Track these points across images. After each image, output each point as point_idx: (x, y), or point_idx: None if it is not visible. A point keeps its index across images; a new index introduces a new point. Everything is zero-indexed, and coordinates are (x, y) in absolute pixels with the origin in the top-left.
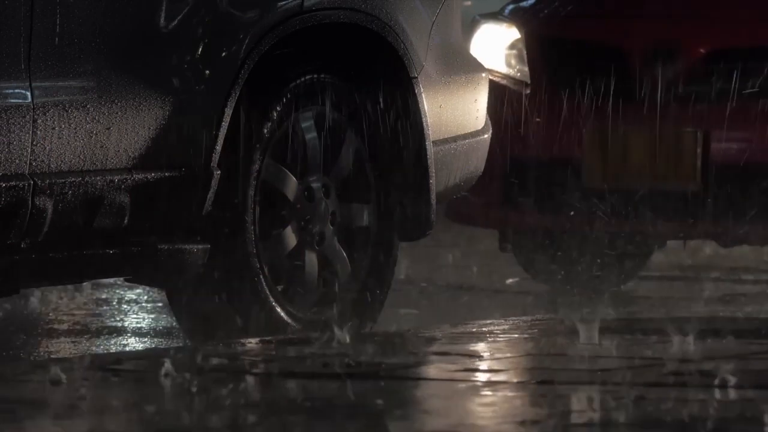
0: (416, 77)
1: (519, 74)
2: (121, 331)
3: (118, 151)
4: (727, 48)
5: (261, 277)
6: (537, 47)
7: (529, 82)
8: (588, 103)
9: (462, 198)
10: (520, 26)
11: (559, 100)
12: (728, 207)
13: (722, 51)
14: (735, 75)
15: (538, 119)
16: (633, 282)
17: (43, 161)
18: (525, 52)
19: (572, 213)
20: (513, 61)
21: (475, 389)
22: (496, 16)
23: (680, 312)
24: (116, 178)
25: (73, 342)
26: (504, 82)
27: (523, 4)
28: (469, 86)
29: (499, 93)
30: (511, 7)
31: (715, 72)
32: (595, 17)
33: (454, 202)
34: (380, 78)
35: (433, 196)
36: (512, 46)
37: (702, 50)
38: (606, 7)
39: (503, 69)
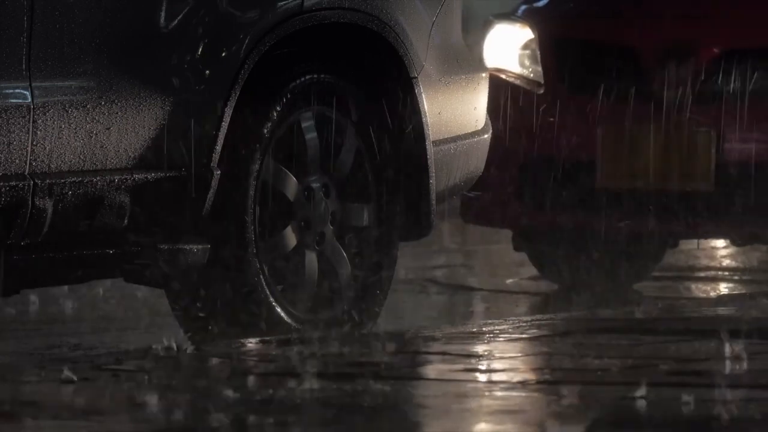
0: (416, 77)
1: (532, 74)
2: (120, 331)
3: (118, 151)
4: (741, 48)
5: (261, 277)
6: (550, 47)
7: (542, 82)
8: (602, 103)
9: (475, 198)
10: (534, 26)
11: (573, 100)
12: (742, 207)
13: (736, 51)
14: (749, 75)
15: (551, 119)
16: (644, 281)
17: (43, 161)
18: (538, 53)
19: (586, 213)
20: (526, 62)
21: (475, 389)
22: (509, 16)
23: (681, 312)
24: (116, 178)
25: (73, 342)
26: (517, 82)
27: (537, 4)
28: (470, 86)
29: (512, 93)
30: (524, 7)
31: (729, 72)
32: (608, 17)
33: (467, 202)
34: (380, 78)
35: (433, 196)
36: (526, 47)
37: (716, 50)
38: (620, 8)
39: (517, 69)
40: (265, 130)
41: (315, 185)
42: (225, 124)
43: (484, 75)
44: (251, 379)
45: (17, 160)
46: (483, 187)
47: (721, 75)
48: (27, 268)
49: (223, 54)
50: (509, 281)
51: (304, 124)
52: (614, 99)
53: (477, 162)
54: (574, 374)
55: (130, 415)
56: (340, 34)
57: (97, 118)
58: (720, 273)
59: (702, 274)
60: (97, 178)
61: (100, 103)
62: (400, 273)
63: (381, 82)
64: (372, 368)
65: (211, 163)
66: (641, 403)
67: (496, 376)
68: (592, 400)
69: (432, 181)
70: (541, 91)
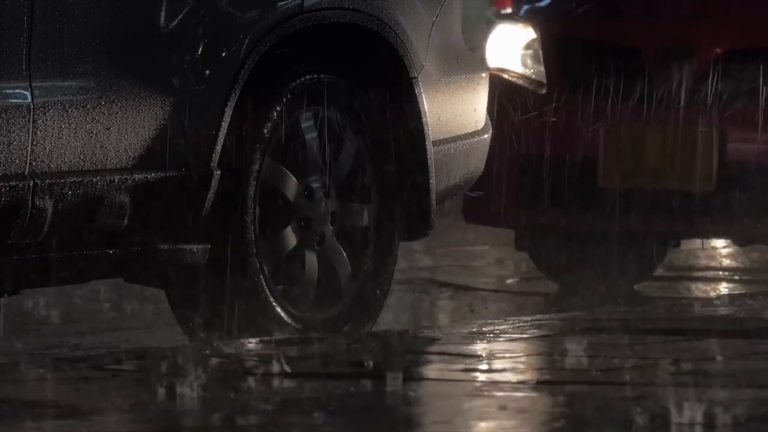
0: (416, 77)
1: (535, 74)
2: (120, 331)
3: (118, 151)
4: (743, 48)
5: (261, 277)
6: (553, 47)
7: (545, 81)
8: (604, 103)
9: (477, 197)
10: (537, 26)
11: (575, 99)
12: (744, 206)
13: (738, 51)
14: (751, 75)
15: (554, 119)
16: (645, 281)
17: (43, 161)
18: (541, 52)
19: (587, 212)
20: (529, 61)
21: (475, 389)
22: (512, 16)
23: (681, 311)
24: (116, 178)
25: (73, 342)
26: (520, 81)
27: (540, 4)
28: (470, 86)
29: (515, 93)
30: (527, 7)
31: (732, 72)
32: (611, 17)
33: (469, 202)
34: (380, 78)
35: (433, 196)
36: (528, 46)
37: (718, 50)
38: (622, 8)
39: (519, 69)
40: (265, 130)
41: (315, 185)
42: (225, 124)
43: (484, 75)
44: (251, 379)
45: (17, 160)
46: (485, 187)
47: (722, 75)
48: (27, 268)
49: (223, 54)
50: (509, 281)
51: (304, 124)
52: (616, 99)
53: (477, 162)
54: (574, 374)
55: (130, 415)
56: (340, 34)
57: (97, 118)
58: (720, 273)
59: (702, 274)
60: (97, 178)
61: (100, 103)
62: (400, 273)
63: (381, 82)
64: (372, 368)
65: (211, 163)
66: (641, 403)
67: (496, 376)
68: (592, 400)
69: (432, 181)
70: (544, 91)
